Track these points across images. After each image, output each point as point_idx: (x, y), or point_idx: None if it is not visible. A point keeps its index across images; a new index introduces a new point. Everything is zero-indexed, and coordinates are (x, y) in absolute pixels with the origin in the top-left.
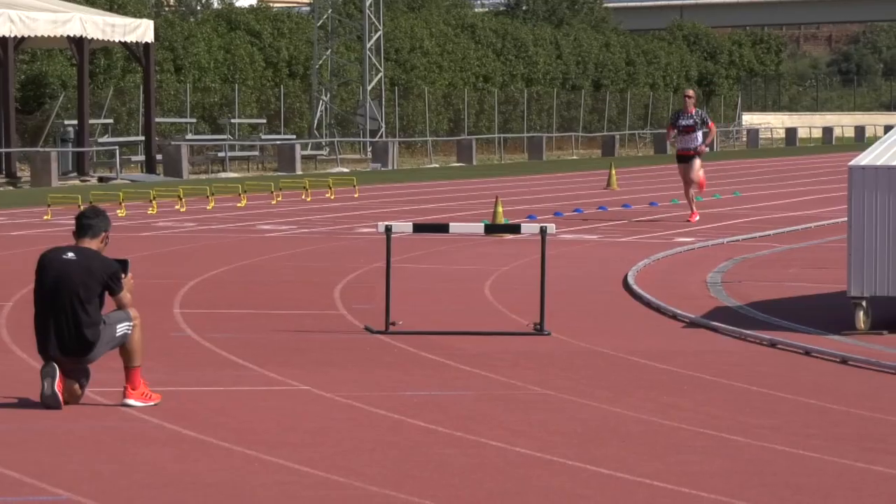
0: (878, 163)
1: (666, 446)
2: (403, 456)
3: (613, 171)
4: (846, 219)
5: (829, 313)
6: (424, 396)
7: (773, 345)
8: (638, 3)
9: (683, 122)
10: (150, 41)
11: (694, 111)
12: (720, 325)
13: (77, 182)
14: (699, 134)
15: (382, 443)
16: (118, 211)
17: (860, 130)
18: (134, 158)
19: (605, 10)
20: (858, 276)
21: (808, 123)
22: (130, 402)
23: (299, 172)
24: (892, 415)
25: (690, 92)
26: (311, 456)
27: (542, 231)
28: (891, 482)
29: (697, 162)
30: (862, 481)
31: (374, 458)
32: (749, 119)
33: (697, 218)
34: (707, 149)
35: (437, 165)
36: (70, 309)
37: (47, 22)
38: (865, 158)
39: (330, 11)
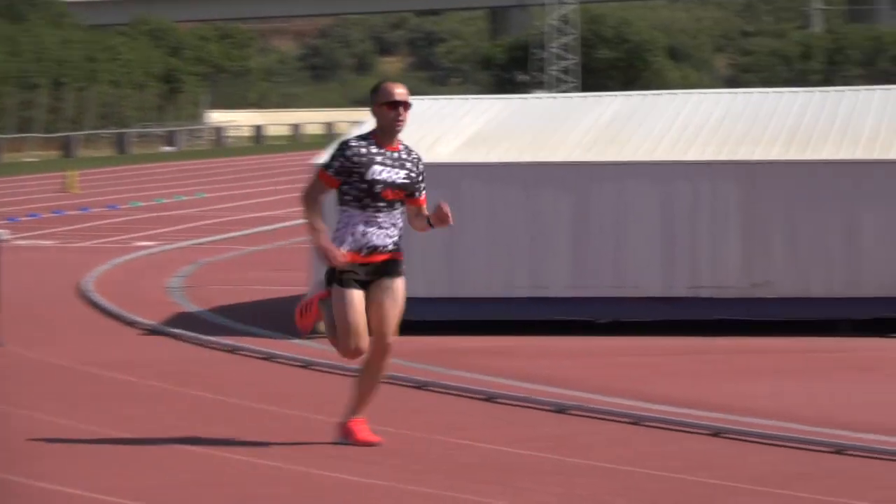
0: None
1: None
2: None
3: (73, 173)
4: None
5: (291, 316)
6: None
7: (233, 350)
8: None
9: (386, 177)
10: None
11: (401, 147)
12: (180, 331)
13: None
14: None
15: None
16: None
17: (329, 127)
18: None
19: (63, 4)
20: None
21: (278, 121)
22: None
23: None
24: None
25: (403, 90)
26: None
27: None
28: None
29: (403, 286)
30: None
31: None
32: (216, 117)
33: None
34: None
35: None
36: None
37: None
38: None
39: None
